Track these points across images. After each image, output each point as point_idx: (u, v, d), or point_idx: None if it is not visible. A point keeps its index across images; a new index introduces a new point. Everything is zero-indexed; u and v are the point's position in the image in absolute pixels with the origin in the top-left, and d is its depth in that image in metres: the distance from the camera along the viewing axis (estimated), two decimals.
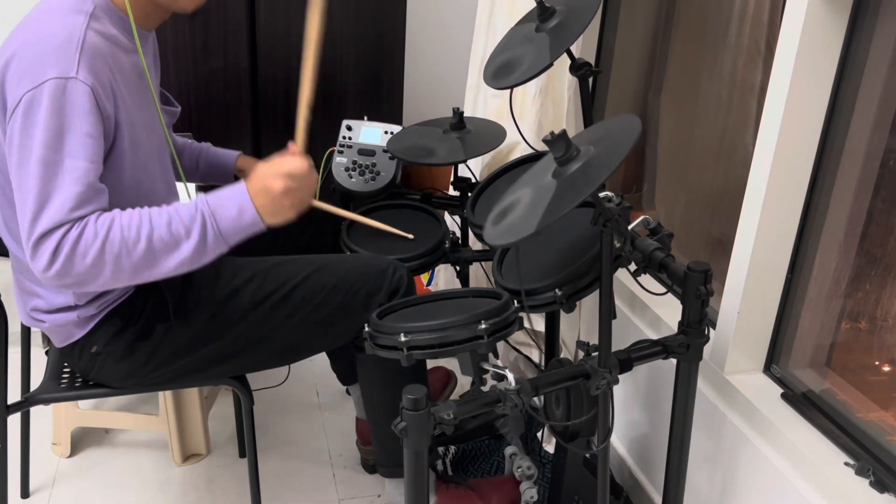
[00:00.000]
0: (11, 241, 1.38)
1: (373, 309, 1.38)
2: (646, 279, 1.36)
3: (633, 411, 1.81)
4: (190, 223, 1.26)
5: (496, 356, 1.26)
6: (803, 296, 1.44)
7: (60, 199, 1.19)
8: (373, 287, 1.48)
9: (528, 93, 1.90)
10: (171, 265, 1.26)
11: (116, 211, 1.24)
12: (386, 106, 2.40)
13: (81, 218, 1.20)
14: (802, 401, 1.40)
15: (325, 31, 1.38)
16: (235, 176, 1.74)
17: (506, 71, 1.48)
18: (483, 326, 1.17)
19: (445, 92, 2.58)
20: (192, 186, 1.71)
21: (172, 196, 1.49)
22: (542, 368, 1.97)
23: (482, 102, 2.14)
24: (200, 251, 1.27)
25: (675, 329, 1.35)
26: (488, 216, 1.17)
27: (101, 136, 1.23)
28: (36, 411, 1.73)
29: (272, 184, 1.29)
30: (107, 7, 1.31)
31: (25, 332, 1.71)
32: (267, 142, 2.34)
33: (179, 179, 1.55)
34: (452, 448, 1.91)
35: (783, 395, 1.44)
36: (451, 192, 1.95)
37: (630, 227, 1.27)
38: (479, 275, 2.14)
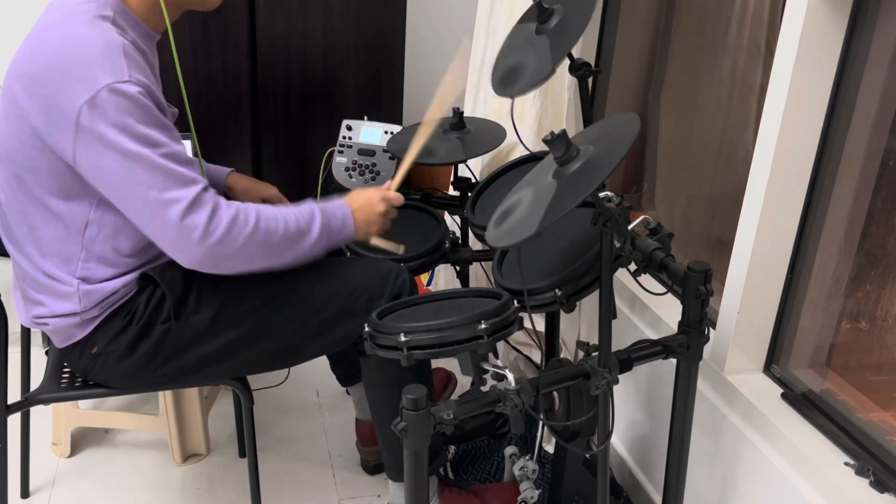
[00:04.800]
0: (14, 249, 1.38)
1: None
2: (646, 279, 1.36)
3: (633, 411, 1.81)
4: (310, 220, 1.39)
5: (496, 356, 1.26)
6: (803, 296, 1.44)
7: (181, 178, 1.25)
8: (375, 291, 1.48)
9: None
10: (295, 254, 1.38)
11: (252, 205, 1.34)
12: (386, 106, 2.40)
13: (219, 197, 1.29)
14: (802, 401, 1.40)
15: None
16: (225, 194, 1.69)
17: (511, 78, 1.48)
18: (483, 326, 1.17)
19: None
20: None
21: None
22: (542, 368, 1.97)
23: (482, 102, 2.13)
24: (315, 246, 1.40)
25: (675, 329, 1.35)
26: (491, 218, 1.17)
27: (165, 124, 1.28)
28: (36, 411, 1.73)
29: (375, 202, 1.47)
30: (123, 12, 1.32)
31: (25, 332, 1.70)
32: (267, 142, 2.34)
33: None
34: (452, 448, 1.91)
35: (783, 395, 1.44)
36: (451, 192, 1.95)
37: (630, 227, 1.27)
38: (479, 275, 2.14)
